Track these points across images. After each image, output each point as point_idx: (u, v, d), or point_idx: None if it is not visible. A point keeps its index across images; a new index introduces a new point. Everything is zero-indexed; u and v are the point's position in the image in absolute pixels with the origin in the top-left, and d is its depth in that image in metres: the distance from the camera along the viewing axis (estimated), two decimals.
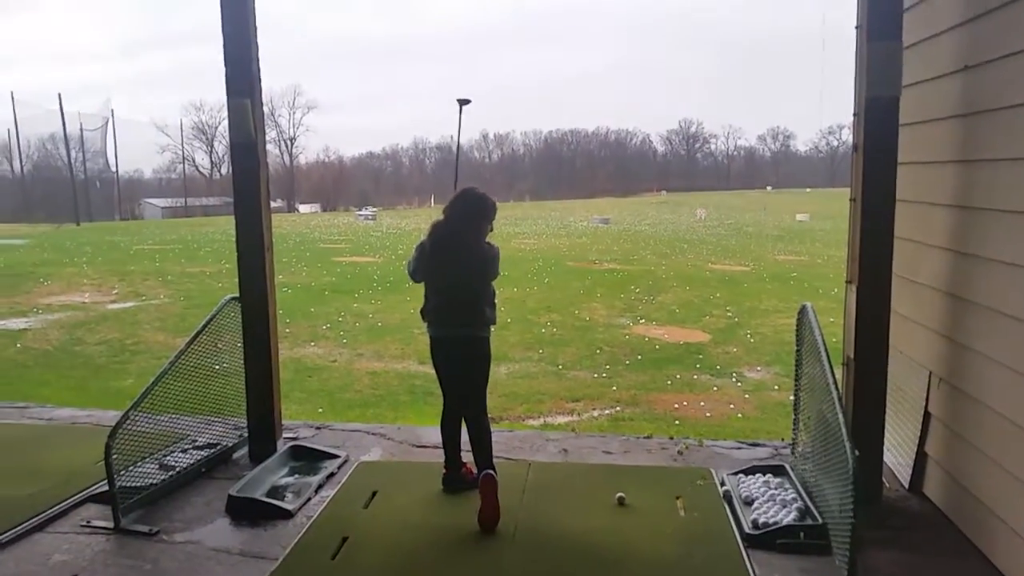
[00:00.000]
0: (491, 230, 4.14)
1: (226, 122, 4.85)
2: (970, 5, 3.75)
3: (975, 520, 3.66)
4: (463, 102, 4.93)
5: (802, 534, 3.65)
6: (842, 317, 4.36)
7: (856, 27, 4.17)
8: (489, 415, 4.24)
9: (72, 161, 41.70)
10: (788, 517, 3.78)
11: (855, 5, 4.14)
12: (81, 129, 43.17)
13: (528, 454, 4.89)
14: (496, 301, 4.19)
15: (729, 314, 12.43)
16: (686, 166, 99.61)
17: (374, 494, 4.28)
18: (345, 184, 73.19)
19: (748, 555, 3.56)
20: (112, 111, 45.43)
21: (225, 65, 4.66)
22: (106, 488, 3.99)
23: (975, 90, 3.75)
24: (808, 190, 72.37)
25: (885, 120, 3.95)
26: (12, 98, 39.27)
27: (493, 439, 4.15)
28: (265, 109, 4.95)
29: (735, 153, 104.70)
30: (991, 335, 3.55)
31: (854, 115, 4.22)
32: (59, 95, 51.26)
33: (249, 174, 4.74)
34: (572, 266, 18.55)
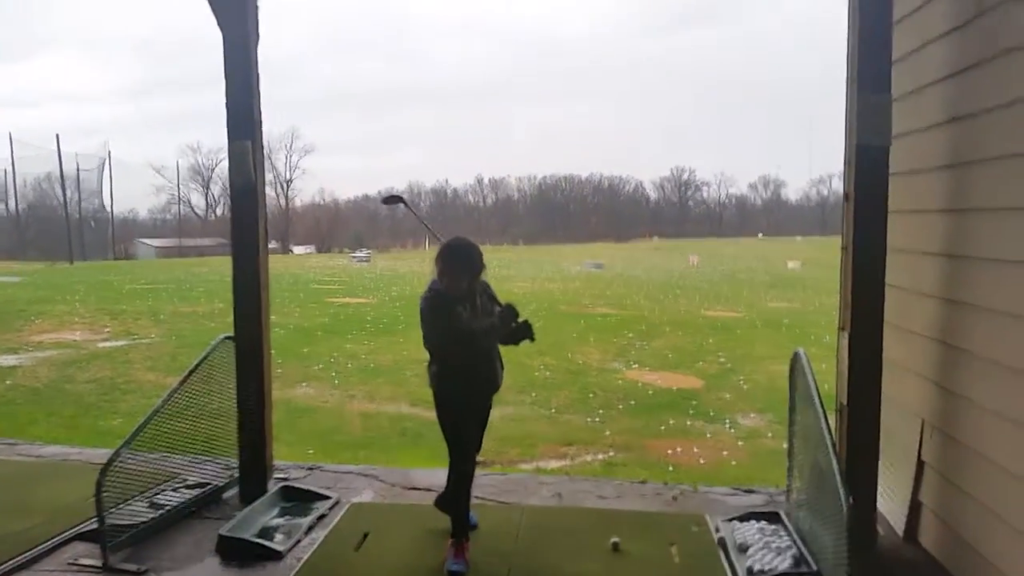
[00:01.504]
0: (464, 276, 3.92)
1: (223, 164, 4.98)
2: (958, 58, 3.85)
3: (970, 569, 3.64)
4: (392, 200, 4.94)
5: None
6: (835, 364, 4.39)
7: (847, 79, 4.28)
8: (475, 460, 4.18)
9: (67, 200, 41.87)
10: (783, 564, 3.76)
11: (845, 58, 4.25)
12: (78, 169, 43.43)
13: (522, 497, 4.86)
14: (442, 351, 3.99)
15: (722, 360, 12.45)
16: (678, 213, 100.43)
17: (365, 536, 4.24)
18: (340, 226, 73.42)
19: None
20: (109, 152, 45.74)
21: (227, 108, 4.74)
22: (94, 526, 3.95)
23: (963, 141, 3.84)
24: (799, 238, 72.94)
25: (875, 169, 4.02)
26: (10, 138, 39.58)
27: (486, 481, 4.14)
28: (264, 152, 4.99)
29: (727, 200, 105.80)
30: (983, 383, 3.57)
31: (845, 164, 4.29)
32: (57, 136, 51.73)
33: (248, 215, 4.78)
34: (565, 310, 18.58)
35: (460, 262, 3.91)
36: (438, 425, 4.10)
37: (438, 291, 3.89)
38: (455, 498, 4.06)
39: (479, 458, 4.31)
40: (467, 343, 3.90)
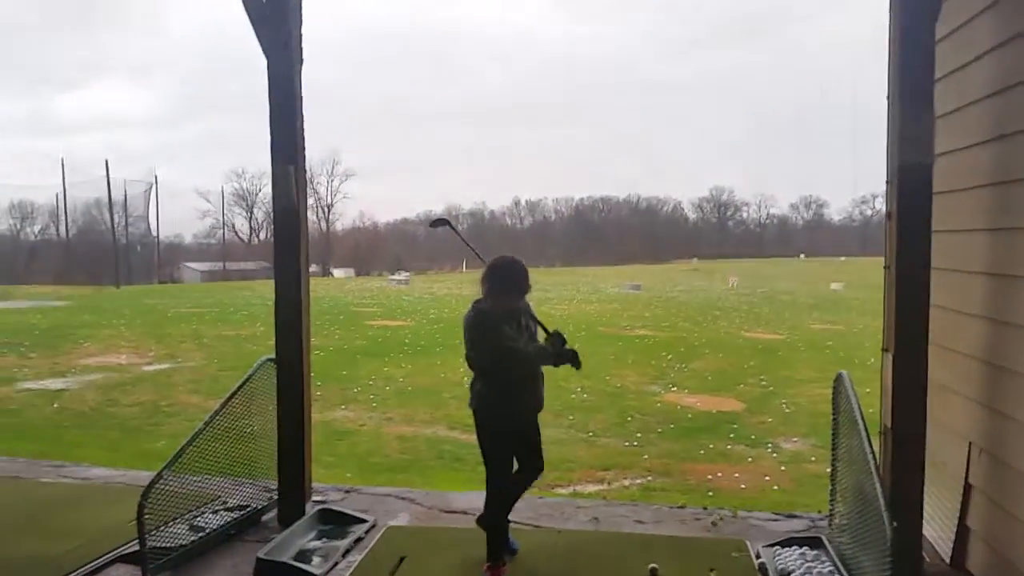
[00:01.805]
0: (515, 294, 3.99)
1: (266, 188, 5.05)
2: (1004, 75, 3.79)
3: None
4: (438, 223, 4.94)
5: None
6: (879, 386, 4.29)
7: (887, 97, 4.23)
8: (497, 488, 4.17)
9: (115, 225, 42.93)
10: None
11: (886, 76, 4.20)
12: (125, 194, 44.57)
13: (558, 522, 4.82)
14: (492, 368, 3.99)
15: (763, 383, 12.25)
16: (717, 234, 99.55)
17: (402, 560, 4.24)
18: (379, 249, 74.19)
19: None
20: (156, 177, 46.88)
21: (271, 132, 4.84)
22: (136, 548, 4.00)
23: (1009, 158, 3.76)
24: (842, 259, 71.84)
25: (918, 188, 3.95)
26: (62, 164, 40.78)
27: (522, 505, 4.13)
28: (306, 176, 5.08)
29: (767, 221, 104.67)
30: None
31: (887, 183, 4.24)
32: (106, 162, 53.04)
33: (291, 238, 4.86)
34: (603, 331, 18.49)
35: (508, 281, 3.96)
36: (477, 447, 4.11)
37: (483, 310, 3.93)
38: (491, 517, 4.06)
39: (540, 479, 4.32)
40: (517, 362, 3.93)
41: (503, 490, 4.08)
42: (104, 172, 41.86)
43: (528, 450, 4.17)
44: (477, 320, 3.91)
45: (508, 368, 3.94)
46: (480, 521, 4.25)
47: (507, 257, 4.08)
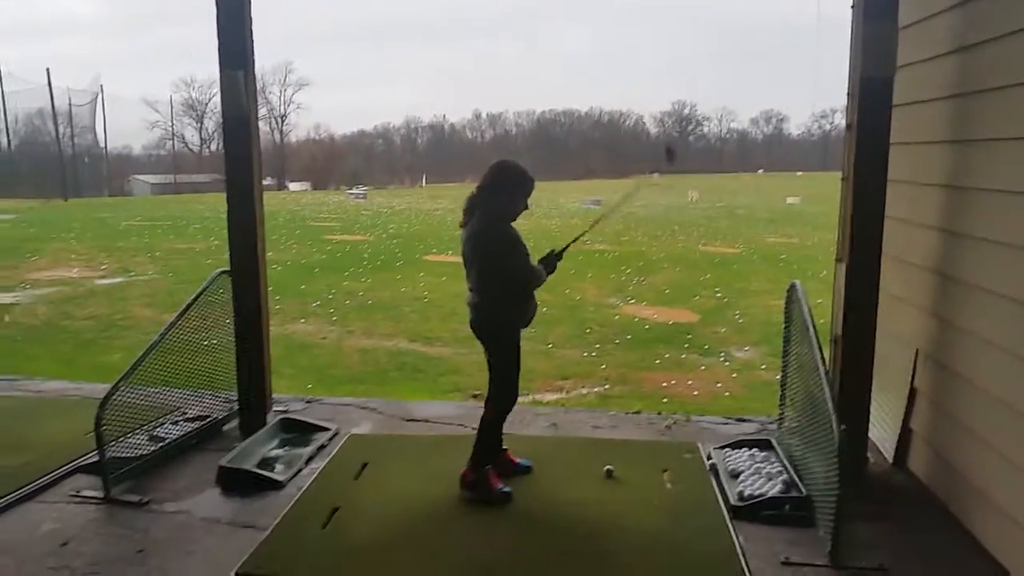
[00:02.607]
0: (525, 207, 3.90)
1: (217, 98, 4.87)
2: None
3: (958, 494, 3.72)
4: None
5: (787, 506, 3.70)
6: (830, 298, 4.39)
7: (852, 7, 4.18)
8: (481, 392, 4.13)
9: (60, 136, 41.37)
10: (774, 489, 3.83)
11: None
12: (70, 104, 42.81)
13: (518, 428, 4.92)
14: (528, 284, 3.85)
15: (718, 295, 12.47)
16: (679, 148, 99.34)
17: (364, 466, 4.31)
18: (336, 162, 72.71)
19: (734, 526, 3.61)
20: (101, 87, 45.09)
21: (218, 36, 4.63)
22: (96, 459, 4.00)
23: (969, 70, 3.76)
24: (799, 174, 72.40)
25: (879, 100, 3.96)
26: None
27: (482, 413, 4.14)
28: (256, 85, 4.90)
29: (728, 136, 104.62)
30: (979, 313, 3.58)
31: (848, 95, 4.23)
32: (47, 70, 50.69)
33: (241, 147, 4.72)
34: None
35: (525, 188, 3.92)
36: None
37: (509, 230, 3.79)
38: (498, 426, 4.05)
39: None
40: (536, 283, 3.89)
41: (514, 400, 4.04)
42: (46, 81, 40.07)
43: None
44: (512, 235, 3.77)
45: (537, 282, 3.88)
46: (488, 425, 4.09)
47: (513, 162, 3.98)
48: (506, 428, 4.57)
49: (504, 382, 3.99)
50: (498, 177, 3.89)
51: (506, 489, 3.92)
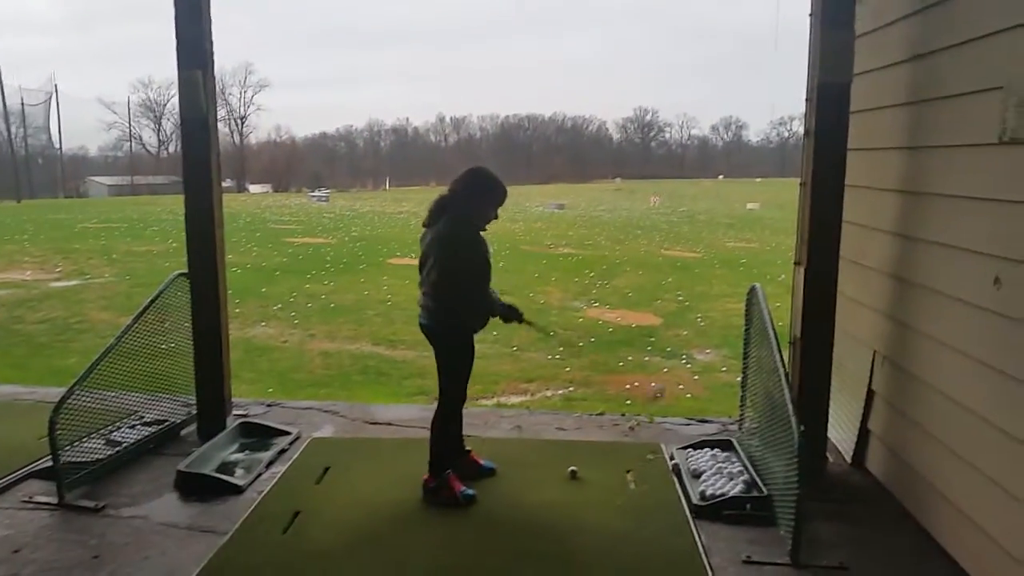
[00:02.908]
0: (494, 217, 3.87)
1: (175, 99, 4.84)
2: None
3: (914, 493, 3.79)
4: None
5: (748, 505, 3.74)
6: (789, 301, 4.45)
7: (810, 15, 4.26)
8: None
9: (12, 137, 40.39)
10: (735, 489, 3.87)
11: None
12: (23, 103, 41.85)
13: (482, 430, 4.91)
14: (478, 287, 3.82)
15: (680, 298, 12.61)
16: (641, 154, 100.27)
17: (326, 470, 4.26)
18: (297, 165, 72.05)
19: (696, 525, 3.64)
20: (56, 86, 44.15)
21: (176, 36, 4.56)
22: (50, 464, 3.90)
23: (924, 78, 3.85)
24: (759, 180, 73.50)
25: (836, 106, 4.03)
26: None
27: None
28: (216, 86, 4.84)
29: (688, 142, 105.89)
30: (933, 315, 3.66)
31: (806, 101, 4.31)
32: None
33: (199, 148, 4.64)
34: (527, 250, 18.59)
35: (499, 199, 3.90)
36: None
37: (477, 237, 3.78)
38: (451, 430, 4.03)
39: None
40: (486, 296, 3.88)
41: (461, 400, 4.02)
42: None
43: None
44: (476, 239, 3.76)
45: (487, 287, 3.86)
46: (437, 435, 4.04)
47: (488, 171, 3.94)
48: (470, 431, 4.57)
49: (452, 382, 3.95)
50: (471, 183, 3.86)
51: (469, 492, 3.90)
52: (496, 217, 3.88)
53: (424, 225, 3.92)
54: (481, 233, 3.84)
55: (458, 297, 3.81)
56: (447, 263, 3.77)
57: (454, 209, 3.82)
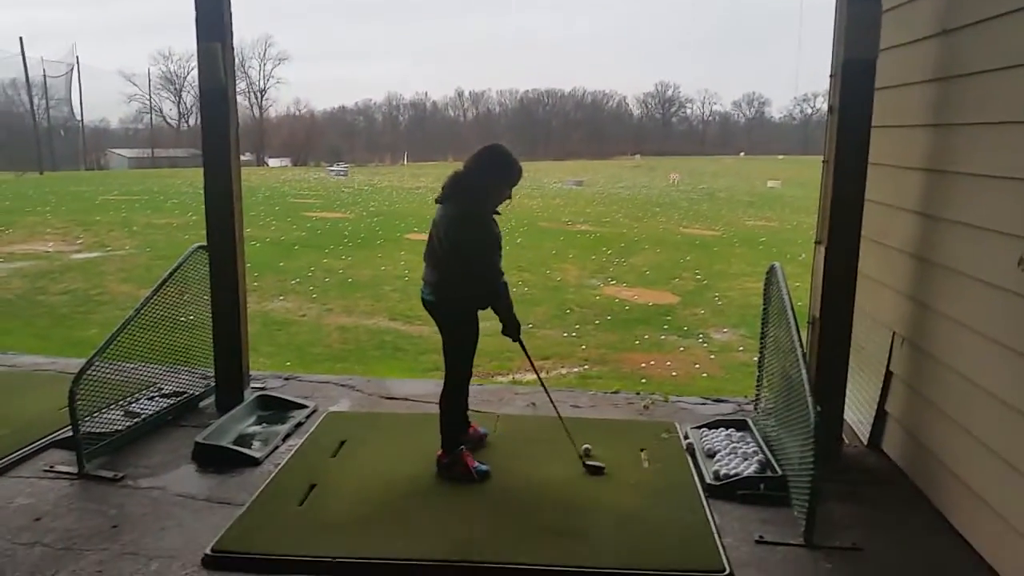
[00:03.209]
0: (508, 198, 3.82)
1: (195, 72, 4.79)
2: None
3: (929, 475, 3.77)
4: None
5: (762, 485, 3.73)
6: (808, 281, 4.41)
7: None
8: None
9: (35, 108, 40.61)
10: (749, 469, 3.86)
11: None
12: (44, 75, 42.04)
13: (497, 407, 4.93)
14: (489, 266, 3.77)
15: (698, 277, 12.54)
16: (661, 130, 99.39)
17: (342, 443, 4.29)
18: (317, 139, 71.98)
19: (709, 505, 3.64)
20: (77, 58, 44.30)
21: (196, 8, 4.54)
22: (70, 434, 3.96)
23: (951, 54, 3.77)
24: (780, 157, 72.73)
25: (861, 83, 3.96)
26: None
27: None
28: (235, 58, 4.83)
29: (710, 118, 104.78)
30: (955, 297, 3.61)
31: (831, 77, 4.23)
32: (20, 39, 49.55)
33: (218, 120, 4.64)
34: (545, 227, 18.53)
35: (512, 179, 3.82)
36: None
37: (490, 213, 3.76)
38: (457, 402, 4.03)
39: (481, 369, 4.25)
40: (495, 280, 3.83)
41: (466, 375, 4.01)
42: (19, 50, 39.25)
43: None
44: (486, 219, 3.73)
45: (496, 267, 3.82)
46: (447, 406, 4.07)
47: (506, 149, 3.85)
48: (486, 407, 4.59)
49: (456, 357, 3.94)
50: (486, 161, 3.81)
51: (484, 467, 3.92)
52: (509, 198, 3.83)
53: (437, 201, 3.89)
54: (494, 216, 3.81)
55: (463, 275, 3.79)
56: (455, 240, 3.74)
57: (468, 187, 3.78)
